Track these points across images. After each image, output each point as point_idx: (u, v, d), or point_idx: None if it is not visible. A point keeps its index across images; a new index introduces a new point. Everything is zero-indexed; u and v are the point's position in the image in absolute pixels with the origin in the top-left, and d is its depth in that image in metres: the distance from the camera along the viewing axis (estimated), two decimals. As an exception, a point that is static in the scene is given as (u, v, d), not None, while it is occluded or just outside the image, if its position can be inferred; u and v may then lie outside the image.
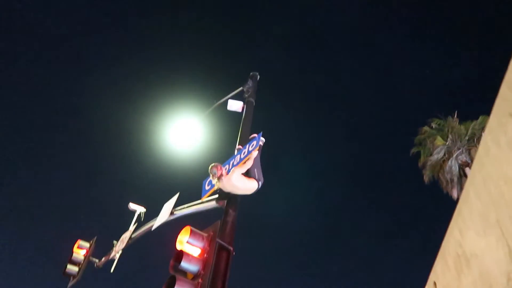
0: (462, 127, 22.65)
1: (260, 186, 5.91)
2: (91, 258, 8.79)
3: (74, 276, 8.59)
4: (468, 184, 1.50)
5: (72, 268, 8.60)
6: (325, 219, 38.28)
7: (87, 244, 8.92)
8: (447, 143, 22.49)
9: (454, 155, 21.96)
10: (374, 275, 35.74)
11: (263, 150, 6.68)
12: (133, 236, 8.18)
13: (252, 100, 8.13)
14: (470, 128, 22.18)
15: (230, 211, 5.63)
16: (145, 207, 9.10)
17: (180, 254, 4.82)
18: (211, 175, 5.69)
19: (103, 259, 8.73)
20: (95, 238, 9.13)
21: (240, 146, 6.71)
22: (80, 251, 8.80)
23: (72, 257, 8.67)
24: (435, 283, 1.96)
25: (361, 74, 44.35)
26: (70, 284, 8.62)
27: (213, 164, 5.71)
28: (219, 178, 5.56)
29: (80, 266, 8.65)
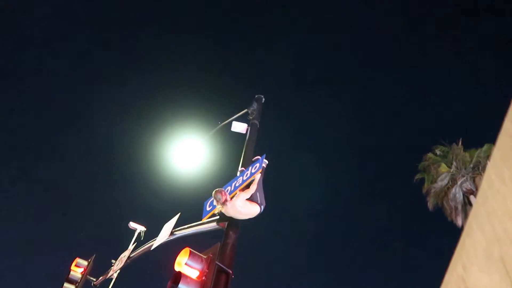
0: (467, 154, 22.54)
1: (262, 210, 5.86)
2: (88, 276, 8.68)
3: (70, 295, 8.47)
4: (471, 217, 1.48)
5: (69, 287, 8.48)
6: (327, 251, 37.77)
7: (85, 263, 8.83)
8: (452, 170, 22.35)
9: (459, 183, 21.78)
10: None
11: (267, 172, 6.67)
12: (132, 255, 8.08)
13: (257, 122, 8.17)
14: (475, 156, 22.07)
15: (231, 233, 5.58)
16: (145, 227, 9.04)
17: (178, 276, 4.76)
18: (215, 200, 5.65)
19: (100, 278, 8.61)
20: (94, 256, 9.05)
21: (243, 168, 6.70)
22: (78, 269, 8.71)
23: (70, 275, 8.58)
24: (437, 318, 1.91)
25: (367, 99, 44.61)
26: (66, 302, 8.49)
27: (217, 189, 5.69)
28: (224, 203, 5.52)
29: (77, 285, 8.54)
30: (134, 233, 8.94)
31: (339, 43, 43.81)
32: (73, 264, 8.68)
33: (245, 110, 8.46)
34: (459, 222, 21.55)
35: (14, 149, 36.44)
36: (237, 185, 6.28)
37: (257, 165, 6.25)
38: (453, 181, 22.14)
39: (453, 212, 21.84)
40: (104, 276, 8.50)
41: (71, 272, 8.59)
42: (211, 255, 5.08)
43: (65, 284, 8.46)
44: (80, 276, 8.64)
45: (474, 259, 1.45)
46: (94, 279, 8.67)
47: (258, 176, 6.10)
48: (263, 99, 8.80)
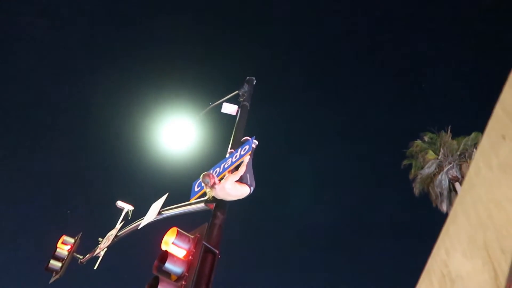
0: (455, 142, 22.84)
1: (251, 191, 5.88)
2: (75, 254, 8.68)
3: (56, 272, 8.48)
4: (457, 204, 1.49)
5: (55, 264, 8.48)
6: (322, 223, 38.26)
7: (71, 240, 8.81)
8: (439, 157, 22.67)
9: (445, 170, 22.12)
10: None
11: (257, 154, 6.66)
12: (119, 234, 8.09)
13: (247, 104, 8.12)
14: (462, 143, 22.37)
15: (219, 214, 5.60)
16: (133, 206, 9.02)
17: (165, 255, 4.78)
18: (203, 184, 5.64)
19: (87, 255, 8.62)
20: (80, 234, 9.03)
21: (232, 150, 6.68)
22: (64, 246, 8.69)
23: (56, 253, 8.56)
24: (418, 302, 1.94)
25: (358, 82, 44.62)
26: (52, 279, 8.50)
27: (205, 173, 5.66)
28: (212, 186, 5.52)
29: (63, 262, 8.54)
30: (121, 212, 8.93)
31: (331, 23, 43.47)
32: (60, 241, 8.66)
33: (236, 92, 8.39)
34: (443, 208, 21.98)
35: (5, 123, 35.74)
36: (226, 166, 6.27)
37: (247, 146, 6.24)
38: (439, 168, 22.48)
39: (438, 198, 22.26)
40: (91, 253, 8.51)
41: (57, 249, 8.57)
42: (198, 235, 5.11)
43: (51, 261, 8.45)
44: (66, 253, 8.63)
45: (458, 244, 1.46)
46: (81, 257, 8.68)
47: (247, 158, 6.09)
48: (255, 81, 8.73)
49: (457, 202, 1.51)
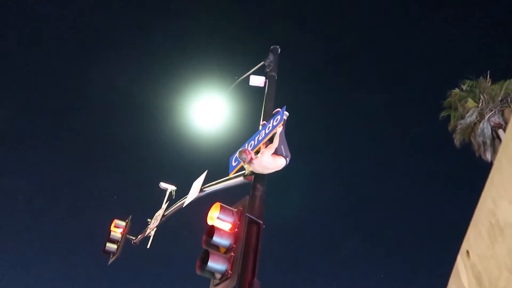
0: (495, 87, 21.70)
1: (287, 162, 5.94)
2: (127, 236, 9.18)
3: (113, 253, 9.03)
4: (500, 152, 1.45)
5: (111, 246, 9.02)
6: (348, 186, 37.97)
7: (123, 223, 9.30)
8: (479, 105, 21.68)
9: (486, 117, 21.18)
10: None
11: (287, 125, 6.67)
12: (165, 213, 8.46)
13: (274, 74, 8.05)
14: (504, 88, 21.22)
15: (258, 185, 5.72)
16: (175, 186, 9.34)
17: (212, 229, 4.96)
18: (241, 161, 5.77)
19: (139, 236, 9.09)
20: (130, 217, 9.50)
21: (264, 122, 6.72)
22: (117, 229, 9.19)
23: (110, 236, 9.08)
24: (468, 252, 1.94)
25: (386, 37, 42.72)
26: (111, 260, 9.08)
27: (240, 149, 5.80)
28: (249, 162, 5.63)
29: (118, 243, 9.06)
30: (165, 193, 9.27)
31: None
32: (112, 225, 9.16)
33: (262, 63, 8.32)
34: (488, 157, 21.20)
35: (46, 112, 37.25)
36: (260, 139, 6.34)
37: (278, 117, 6.25)
38: (480, 116, 21.55)
39: (481, 148, 21.47)
40: (142, 234, 8.97)
41: (112, 233, 9.09)
42: (241, 208, 5.24)
43: (108, 244, 9.00)
44: (120, 236, 9.14)
45: (504, 192, 1.44)
46: (134, 238, 9.17)
47: (279, 129, 6.11)
48: (279, 49, 8.60)
49: (501, 150, 1.48)
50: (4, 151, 34.72)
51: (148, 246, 8.74)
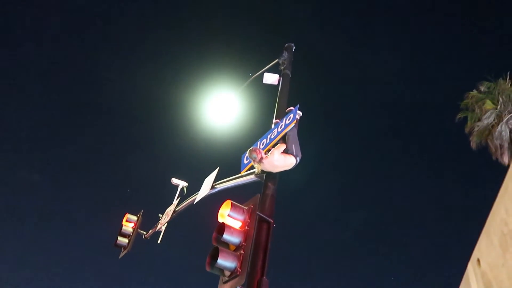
0: (515, 89, 21.17)
1: (298, 162, 5.90)
2: (139, 230, 9.27)
3: (124, 247, 9.14)
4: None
5: (122, 240, 9.13)
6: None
7: (134, 218, 9.39)
8: (498, 107, 21.20)
9: (505, 120, 20.69)
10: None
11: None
12: (176, 209, 8.51)
13: (288, 72, 8.00)
14: (524, 90, 20.71)
15: (270, 184, 5.70)
16: (187, 182, 9.38)
17: (222, 227, 4.97)
18: (251, 160, 5.76)
19: (150, 231, 9.17)
20: (142, 211, 9.59)
21: (277, 120, 6.69)
22: (129, 224, 9.29)
23: (122, 230, 9.19)
24: (478, 260, 1.90)
25: (402, 43, 42.05)
26: (122, 254, 9.19)
27: (251, 148, 5.79)
28: (260, 161, 5.62)
29: (129, 238, 9.16)
30: (176, 189, 9.32)
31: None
32: (124, 219, 9.27)
33: (276, 60, 8.28)
34: (505, 160, 20.72)
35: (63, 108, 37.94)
36: (272, 137, 6.31)
37: (291, 116, 6.21)
38: (498, 118, 21.08)
39: (499, 151, 21.00)
40: (153, 229, 9.05)
41: (123, 227, 9.20)
42: (252, 206, 5.24)
43: (119, 238, 9.11)
44: (131, 230, 9.24)
45: (519, 201, 1.41)
46: (145, 232, 9.25)
47: (291, 128, 6.08)
48: (294, 47, 8.55)
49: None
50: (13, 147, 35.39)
51: (158, 241, 8.82)
